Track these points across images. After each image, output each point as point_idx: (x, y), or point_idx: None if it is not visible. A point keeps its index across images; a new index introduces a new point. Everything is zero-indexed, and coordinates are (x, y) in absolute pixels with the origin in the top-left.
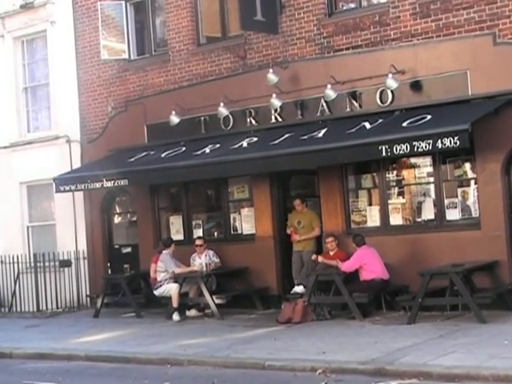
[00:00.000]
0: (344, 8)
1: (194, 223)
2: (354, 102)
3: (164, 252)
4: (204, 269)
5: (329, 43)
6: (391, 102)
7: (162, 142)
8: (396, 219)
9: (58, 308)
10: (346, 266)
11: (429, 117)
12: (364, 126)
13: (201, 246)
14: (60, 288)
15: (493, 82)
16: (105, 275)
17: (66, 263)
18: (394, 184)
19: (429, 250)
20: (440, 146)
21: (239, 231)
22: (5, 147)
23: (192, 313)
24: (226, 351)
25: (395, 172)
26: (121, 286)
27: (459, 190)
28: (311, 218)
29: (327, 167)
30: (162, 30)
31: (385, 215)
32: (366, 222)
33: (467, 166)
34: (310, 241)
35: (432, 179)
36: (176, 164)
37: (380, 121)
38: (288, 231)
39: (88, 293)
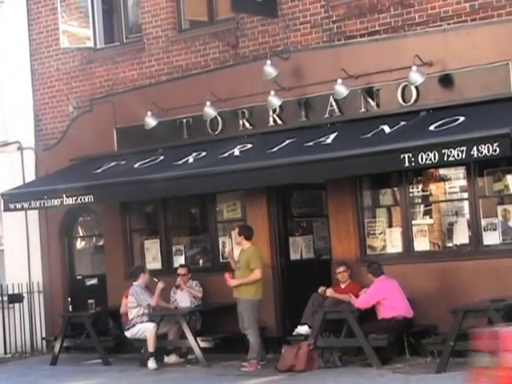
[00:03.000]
0: None
1: (174, 249)
2: (371, 100)
3: (134, 284)
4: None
5: (339, 28)
6: (416, 101)
7: (135, 149)
8: (422, 244)
9: (6, 353)
10: (361, 302)
11: (462, 119)
12: (382, 129)
13: (184, 275)
14: (9, 329)
15: None
16: (64, 313)
17: (16, 298)
18: (420, 201)
19: (462, 281)
20: (476, 155)
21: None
22: None
23: (172, 359)
24: None
25: (421, 186)
26: (84, 325)
27: (499, 209)
28: (250, 255)
29: (337, 180)
30: (135, 13)
31: (408, 239)
32: (384, 247)
33: (509, 178)
34: (249, 286)
35: (466, 195)
36: (152, 176)
37: (402, 123)
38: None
39: (44, 334)
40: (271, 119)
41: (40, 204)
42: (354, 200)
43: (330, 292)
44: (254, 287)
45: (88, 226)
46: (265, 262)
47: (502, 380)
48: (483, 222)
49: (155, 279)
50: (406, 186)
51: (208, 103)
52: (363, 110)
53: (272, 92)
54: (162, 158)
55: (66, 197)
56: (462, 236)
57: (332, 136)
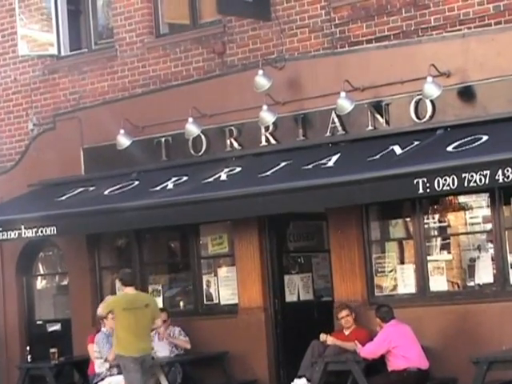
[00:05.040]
0: None
1: (150, 289)
2: (379, 116)
3: (102, 329)
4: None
5: (343, 33)
6: (431, 117)
7: (105, 172)
8: (438, 283)
9: None
10: (368, 351)
11: (485, 138)
12: (393, 150)
13: (164, 321)
14: None
15: None
16: (22, 364)
17: None
18: (436, 233)
19: (486, 326)
20: (501, 180)
21: (215, 300)
22: None
23: None
24: None
25: (437, 216)
26: (45, 378)
27: None
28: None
29: (340, 210)
30: (105, 15)
31: (423, 277)
32: (395, 287)
33: None
34: (115, 341)
35: (490, 226)
36: (125, 205)
37: (415, 143)
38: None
39: None
40: (263, 138)
41: None
42: (360, 232)
43: (331, 340)
44: (116, 342)
45: (50, 262)
46: (259, 304)
47: None
48: (510, 258)
49: None
50: (420, 216)
51: (190, 120)
52: (370, 127)
53: (264, 106)
54: (136, 183)
55: (25, 228)
56: (485, 274)
57: (334, 158)
